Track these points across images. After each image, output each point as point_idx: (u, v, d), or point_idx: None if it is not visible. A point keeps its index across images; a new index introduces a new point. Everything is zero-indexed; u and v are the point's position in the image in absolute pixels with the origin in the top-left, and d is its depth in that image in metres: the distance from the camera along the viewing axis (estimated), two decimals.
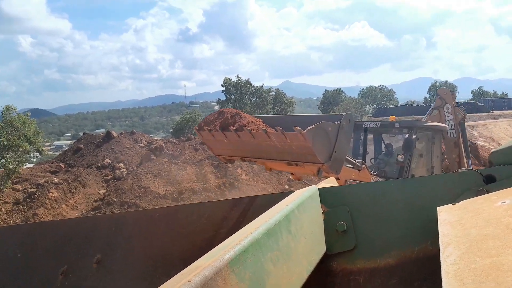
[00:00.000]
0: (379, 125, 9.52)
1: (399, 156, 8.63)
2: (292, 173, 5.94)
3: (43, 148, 17.21)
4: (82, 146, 20.42)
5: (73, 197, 15.74)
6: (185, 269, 0.98)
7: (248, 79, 34.20)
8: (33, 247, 2.67)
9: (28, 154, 16.21)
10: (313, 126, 4.05)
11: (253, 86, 33.88)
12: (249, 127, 4.60)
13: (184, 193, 17.48)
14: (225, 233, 1.84)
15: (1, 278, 2.69)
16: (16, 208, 14.50)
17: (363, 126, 9.66)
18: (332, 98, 62.40)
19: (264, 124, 4.81)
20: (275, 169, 5.62)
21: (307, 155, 4.35)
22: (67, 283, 2.29)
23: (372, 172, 6.93)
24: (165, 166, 19.42)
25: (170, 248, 1.98)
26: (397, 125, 9.16)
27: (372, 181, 6.50)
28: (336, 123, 4.34)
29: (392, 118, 10.17)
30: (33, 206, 14.54)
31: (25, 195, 14.96)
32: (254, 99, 32.01)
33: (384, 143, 10.17)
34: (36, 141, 15.86)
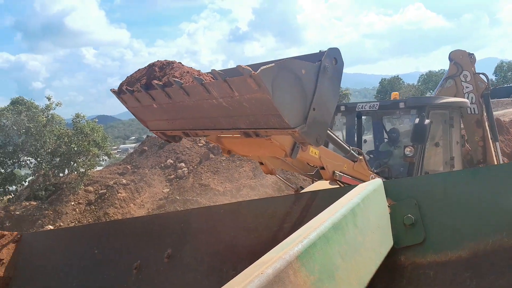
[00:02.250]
0: (377, 107, 7.37)
1: (407, 149, 6.60)
2: (261, 163, 4.26)
3: (111, 151, 18.35)
4: (146, 148, 21.51)
5: (139, 197, 16.65)
6: (256, 262, 1.01)
7: None
8: (108, 244, 2.88)
9: (98, 158, 17.36)
10: (272, 64, 2.45)
11: None
12: (182, 79, 2.97)
13: (242, 189, 17.78)
14: (289, 228, 1.87)
15: (80, 272, 2.93)
16: (89, 209, 15.63)
17: (357, 109, 7.51)
18: (389, 86, 60.06)
19: (209, 75, 3.16)
20: (234, 152, 3.80)
21: (268, 116, 2.63)
22: (140, 277, 2.45)
23: (372, 169, 5.14)
24: (223, 164, 19.89)
25: (237, 243, 2.04)
26: (402, 104, 7.01)
27: (371, 179, 4.66)
28: (315, 63, 2.72)
29: (394, 95, 8.21)
30: (104, 206, 15.60)
31: (96, 196, 16.08)
32: None
33: (385, 130, 7.89)
34: (104, 145, 16.95)
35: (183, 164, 20.35)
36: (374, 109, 7.33)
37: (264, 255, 1.04)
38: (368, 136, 8.17)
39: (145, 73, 3.36)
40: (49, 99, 16.41)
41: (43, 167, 15.72)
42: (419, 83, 64.74)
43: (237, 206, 2.26)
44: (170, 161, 20.60)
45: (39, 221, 14.36)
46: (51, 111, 16.28)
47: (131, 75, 3.48)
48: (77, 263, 3.00)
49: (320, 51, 2.97)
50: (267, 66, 2.37)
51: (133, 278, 2.45)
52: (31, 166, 16.02)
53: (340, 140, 4.42)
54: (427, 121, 6.21)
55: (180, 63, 3.29)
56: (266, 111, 2.56)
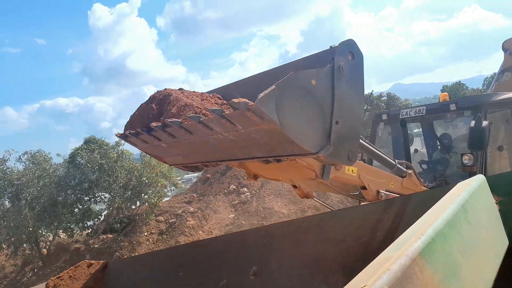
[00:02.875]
0: (424, 111, 6.39)
1: (466, 158, 5.64)
2: (294, 186, 3.65)
3: (177, 181, 19.05)
4: (209, 176, 22.06)
5: (207, 223, 16.98)
6: (374, 261, 0.95)
7: None
8: (193, 265, 2.92)
9: (166, 188, 18.08)
10: (272, 87, 1.99)
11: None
12: (181, 114, 2.65)
13: (307, 211, 17.51)
14: (382, 236, 1.77)
15: None
16: (161, 238, 16.20)
17: (401, 117, 6.60)
18: (452, 93, 56.93)
19: (218, 100, 2.96)
20: (261, 176, 3.43)
21: (283, 144, 2.24)
22: None
23: (426, 183, 4.38)
24: (285, 186, 19.81)
25: (325, 255, 1.98)
26: (453, 106, 5.98)
27: None
28: (327, 66, 2.24)
29: (443, 96, 7.23)
30: (174, 235, 16.08)
31: (167, 225, 16.66)
32: (365, 107, 30.99)
33: (437, 136, 7.06)
34: (171, 176, 17.64)
35: (245, 189, 20.55)
36: (421, 114, 6.43)
37: (381, 254, 0.98)
38: (418, 145, 7.45)
39: (144, 109, 3.13)
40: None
41: (117, 200, 16.65)
42: (484, 87, 60.73)
43: (321, 218, 2.19)
44: (233, 186, 20.91)
45: (117, 253, 15.11)
46: (120, 147, 17.34)
47: (134, 114, 3.21)
48: (163, 286, 3.08)
49: (331, 46, 2.41)
50: (266, 91, 1.96)
51: None
52: (105, 200, 17.03)
53: (382, 153, 3.80)
54: (485, 123, 5.24)
55: (182, 89, 3.04)
56: (279, 139, 2.18)
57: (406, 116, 6.58)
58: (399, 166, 3.88)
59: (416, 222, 1.12)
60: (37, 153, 16.77)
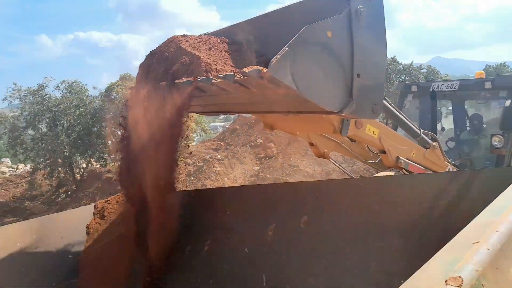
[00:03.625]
0: (457, 86, 5.96)
1: (496, 139, 5.37)
2: (311, 144, 3.68)
3: (206, 128, 19.40)
4: (237, 127, 22.31)
5: (232, 172, 17.46)
6: (470, 224, 1.03)
7: (395, 56, 31.81)
8: (241, 207, 3.10)
9: (195, 133, 18.47)
10: (285, 49, 1.84)
11: (401, 64, 31.47)
12: (191, 72, 2.43)
13: (332, 173, 17.65)
14: (445, 206, 1.84)
15: (216, 232, 3.21)
16: (188, 179, 16.82)
17: (430, 90, 6.17)
18: (494, 74, 53.87)
19: (227, 47, 2.70)
20: (278, 128, 3.38)
21: (304, 102, 2.07)
22: (276, 239, 2.61)
23: (450, 160, 4.19)
24: None
25: (382, 215, 2.07)
26: (488, 84, 5.61)
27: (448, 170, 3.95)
28: (341, 13, 2.01)
29: (479, 74, 6.82)
30: (201, 178, 16.66)
31: (194, 168, 17.23)
32: (402, 78, 29.84)
33: (468, 116, 6.76)
34: (201, 121, 17.96)
35: (272, 144, 20.76)
36: (453, 89, 5.99)
37: (474, 220, 1.05)
38: (446, 124, 7.08)
39: (154, 64, 2.91)
40: None
41: None
42: None
43: (380, 181, 2.27)
44: (260, 140, 21.15)
45: None
46: None
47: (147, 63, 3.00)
48: (209, 222, 3.28)
49: None
50: (279, 55, 1.81)
51: (269, 239, 2.61)
52: None
53: (407, 120, 3.61)
54: None
55: (186, 36, 2.77)
56: (298, 100, 2.05)
57: (437, 89, 6.18)
58: (423, 136, 3.73)
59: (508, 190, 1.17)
60: (74, 83, 17.26)
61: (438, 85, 6.28)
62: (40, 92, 16.66)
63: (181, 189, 3.50)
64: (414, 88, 6.64)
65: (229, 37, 2.89)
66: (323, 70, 1.96)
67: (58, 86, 16.92)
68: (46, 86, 16.81)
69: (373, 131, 3.12)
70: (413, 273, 0.94)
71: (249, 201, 3.04)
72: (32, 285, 3.44)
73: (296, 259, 2.42)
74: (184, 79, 2.33)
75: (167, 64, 2.66)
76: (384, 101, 3.05)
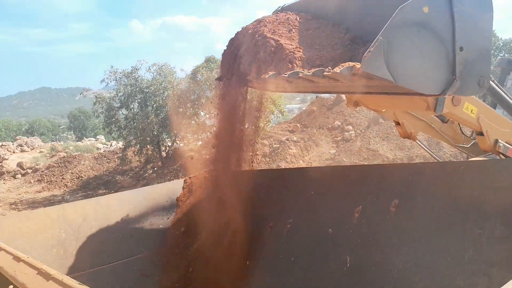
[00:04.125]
0: None
1: None
2: (397, 123, 3.47)
3: (284, 109, 19.45)
4: (315, 108, 22.05)
5: (308, 154, 17.41)
6: None
7: (494, 30, 28.72)
8: (325, 188, 3.09)
9: (273, 114, 18.63)
10: (378, 39, 1.71)
11: (501, 39, 28.32)
12: (276, 63, 2.32)
13: (415, 159, 16.76)
14: None
15: (299, 211, 3.25)
16: (264, 160, 17.14)
17: None
18: None
19: (304, 27, 2.51)
20: (363, 104, 3.22)
21: (403, 88, 1.95)
22: (363, 221, 2.57)
23: None
24: (394, 129, 18.97)
25: (482, 200, 1.93)
26: None
27: None
28: None
29: None
30: (276, 159, 16.88)
31: (270, 150, 17.49)
32: (501, 55, 26.90)
33: None
34: (279, 102, 18.03)
35: (350, 127, 20.23)
36: None
37: None
38: None
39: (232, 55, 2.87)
40: None
41: None
42: None
43: (481, 164, 2.12)
44: (337, 123, 20.72)
45: None
46: None
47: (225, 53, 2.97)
48: (292, 201, 3.33)
49: None
50: (372, 48, 1.69)
51: (355, 222, 2.58)
52: None
53: (511, 99, 3.23)
54: None
55: (263, 19, 2.68)
56: (395, 87, 1.91)
57: None
58: None
59: None
60: (163, 66, 18.33)
61: None
62: (134, 74, 18.01)
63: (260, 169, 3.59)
64: None
65: (307, 10, 2.77)
66: (422, 52, 1.82)
67: (149, 68, 18.14)
68: (139, 69, 18.13)
69: (471, 110, 2.84)
70: None
71: (334, 182, 3.02)
72: (127, 251, 3.80)
73: (384, 242, 2.37)
74: (270, 73, 2.29)
75: (249, 54, 2.63)
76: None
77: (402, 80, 1.79)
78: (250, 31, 2.70)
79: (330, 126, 20.52)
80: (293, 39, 2.43)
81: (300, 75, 2.10)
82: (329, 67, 1.99)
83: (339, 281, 2.52)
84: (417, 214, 2.22)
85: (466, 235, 1.92)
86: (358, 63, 1.77)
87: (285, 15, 2.71)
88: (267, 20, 2.69)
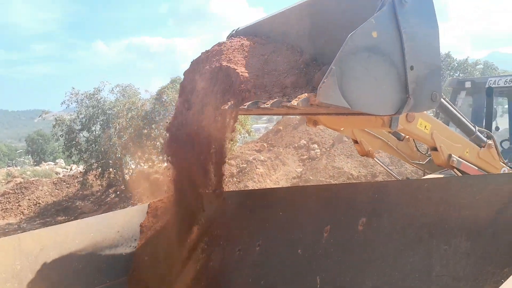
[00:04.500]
0: None
1: None
2: (355, 141, 3.59)
3: (251, 129, 19.54)
4: (281, 128, 22.27)
5: (275, 173, 17.45)
6: None
7: (449, 52, 30.38)
8: (293, 207, 3.06)
9: (240, 135, 18.65)
10: (330, 68, 1.77)
11: (455, 60, 30.00)
12: (227, 94, 2.46)
13: (378, 176, 17.17)
14: None
15: (268, 232, 3.20)
16: (231, 180, 17.00)
17: (487, 86, 5.82)
18: None
19: (259, 52, 2.56)
20: (321, 123, 3.33)
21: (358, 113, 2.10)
22: (332, 241, 2.55)
23: (506, 161, 3.87)
24: None
25: (446, 217, 1.97)
26: None
27: (503, 172, 3.68)
28: (384, 8, 1.86)
29: None
30: (244, 179, 16.79)
31: (238, 170, 17.40)
32: (456, 74, 28.47)
33: None
34: (246, 123, 18.10)
35: (316, 146, 20.54)
36: (510, 85, 5.66)
37: None
38: (501, 122, 6.72)
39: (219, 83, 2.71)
40: None
41: None
42: None
43: (446, 181, 2.17)
44: (303, 141, 21.00)
45: None
46: None
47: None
48: (260, 224, 3.28)
49: None
50: (325, 78, 1.72)
51: (324, 241, 2.57)
52: None
53: (462, 116, 3.35)
54: None
55: (220, 44, 2.71)
56: (352, 111, 1.93)
57: (494, 85, 5.80)
58: (478, 133, 3.48)
59: None
60: (127, 87, 18.00)
61: (495, 81, 5.91)
62: (96, 96, 17.55)
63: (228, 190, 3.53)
64: (468, 85, 6.33)
65: (260, 33, 2.80)
66: (375, 76, 1.87)
67: (112, 89, 17.75)
68: (101, 90, 17.70)
69: (425, 126, 2.91)
70: (481, 277, 0.88)
71: (302, 201, 3.01)
72: (88, 282, 3.59)
73: (353, 261, 2.36)
74: (229, 104, 2.32)
75: (208, 82, 2.63)
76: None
77: (358, 105, 1.83)
78: (210, 56, 2.69)
79: (296, 145, 20.75)
80: (249, 66, 2.43)
81: (260, 105, 2.13)
82: (286, 98, 2.04)
83: None
84: (384, 231, 2.23)
85: (433, 251, 1.94)
86: (314, 94, 1.80)
87: (239, 41, 2.72)
88: (224, 45, 2.70)
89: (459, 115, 3.35)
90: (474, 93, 6.30)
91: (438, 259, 1.97)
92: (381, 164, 4.46)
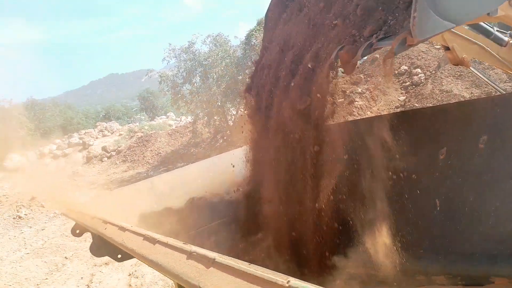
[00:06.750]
0: None
1: None
2: (446, 47, 3.23)
3: None
4: (377, 56, 20.88)
5: (376, 105, 16.74)
6: None
7: None
8: (407, 131, 2.95)
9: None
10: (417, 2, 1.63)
11: None
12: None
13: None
14: None
15: (377, 160, 3.17)
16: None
17: None
18: None
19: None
20: None
21: None
22: (449, 163, 2.45)
23: None
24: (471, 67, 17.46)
25: None
26: None
27: None
28: None
29: None
30: (342, 115, 16.48)
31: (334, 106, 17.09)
32: None
33: None
34: None
35: (419, 70, 18.94)
36: None
37: None
38: None
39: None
40: None
41: None
42: None
43: None
44: (404, 67, 19.50)
45: None
46: None
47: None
48: (370, 151, 3.25)
49: None
50: (414, 13, 1.53)
51: (441, 164, 2.48)
52: None
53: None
54: None
55: None
56: None
57: None
58: (497, 34, 3.04)
59: None
60: (217, 36, 18.39)
61: None
62: (191, 49, 18.35)
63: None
64: None
65: None
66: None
67: (204, 40, 18.34)
68: (195, 43, 18.41)
69: None
70: None
71: (415, 124, 2.88)
72: (213, 216, 4.00)
73: (474, 181, 2.25)
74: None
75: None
76: None
77: (462, 18, 1.61)
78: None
79: (396, 72, 19.42)
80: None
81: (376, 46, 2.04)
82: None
83: (431, 226, 2.46)
84: (508, 149, 2.07)
85: None
86: (408, 33, 1.62)
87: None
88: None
89: None
90: None
91: None
92: (480, 75, 3.93)
